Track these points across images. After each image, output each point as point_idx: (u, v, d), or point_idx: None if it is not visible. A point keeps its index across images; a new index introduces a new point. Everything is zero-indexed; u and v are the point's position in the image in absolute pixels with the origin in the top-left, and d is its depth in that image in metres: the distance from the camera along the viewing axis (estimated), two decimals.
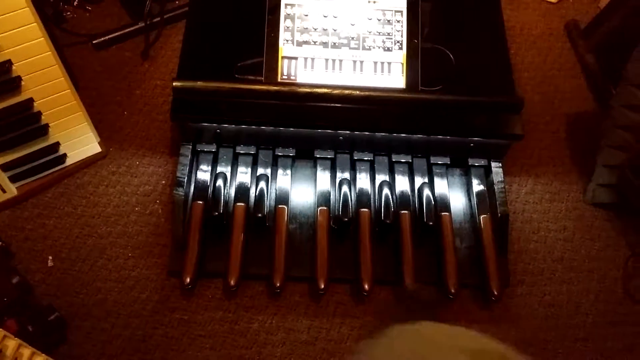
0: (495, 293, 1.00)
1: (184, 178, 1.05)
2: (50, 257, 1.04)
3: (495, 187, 1.09)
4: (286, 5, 1.06)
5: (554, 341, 1.03)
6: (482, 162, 1.12)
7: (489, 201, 1.09)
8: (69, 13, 1.31)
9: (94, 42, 1.26)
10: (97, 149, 1.12)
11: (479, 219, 1.07)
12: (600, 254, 1.12)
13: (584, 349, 1.02)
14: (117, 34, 1.27)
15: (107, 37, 1.26)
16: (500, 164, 1.11)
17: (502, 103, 1.05)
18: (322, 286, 0.99)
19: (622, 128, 1.08)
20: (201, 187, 1.06)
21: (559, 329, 1.04)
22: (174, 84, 1.01)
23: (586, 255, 1.11)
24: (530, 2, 1.43)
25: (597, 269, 1.10)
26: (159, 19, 1.28)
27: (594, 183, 1.15)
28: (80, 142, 1.09)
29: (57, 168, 1.09)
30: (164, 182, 1.12)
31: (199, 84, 1.01)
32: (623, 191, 1.12)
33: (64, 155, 1.09)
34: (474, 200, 1.10)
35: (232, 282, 0.98)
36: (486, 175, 1.12)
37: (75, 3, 1.30)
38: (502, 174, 1.10)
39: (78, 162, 1.11)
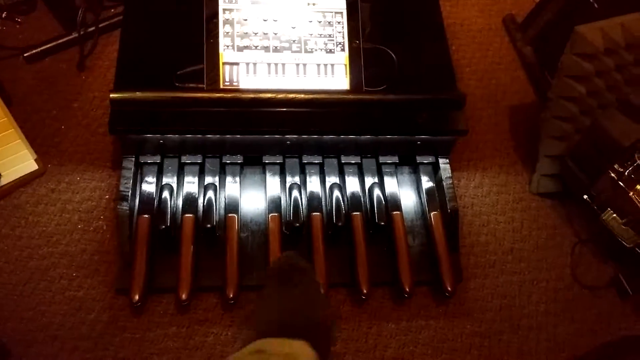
0: (449, 289, 1.01)
1: (128, 192, 1.02)
2: None
3: (444, 183, 1.10)
4: (224, 10, 1.04)
5: (508, 332, 1.04)
6: (430, 159, 1.13)
7: (438, 197, 1.11)
8: None
9: (25, 55, 1.20)
10: (33, 166, 1.07)
11: (430, 216, 1.08)
12: (548, 242, 1.15)
13: (536, 337, 1.05)
14: (50, 45, 1.22)
15: (39, 49, 1.21)
16: (448, 160, 1.12)
17: (444, 100, 1.06)
18: None
19: (560, 119, 1.11)
20: (146, 200, 1.03)
21: (513, 319, 1.06)
22: (111, 95, 0.97)
23: (534, 245, 1.14)
24: None
25: (545, 257, 1.13)
26: (93, 28, 1.24)
27: (538, 173, 1.18)
28: (14, 160, 1.04)
29: None
30: (107, 196, 1.08)
31: (138, 94, 0.98)
32: (565, 180, 1.15)
33: None
34: (424, 197, 1.11)
35: (183, 297, 0.95)
36: (434, 172, 1.13)
37: (3, 15, 1.24)
38: (449, 170, 1.11)
39: (14, 181, 1.06)
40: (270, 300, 0.86)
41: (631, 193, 1.01)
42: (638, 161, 0.99)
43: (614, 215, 1.05)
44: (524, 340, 1.04)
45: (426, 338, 1.02)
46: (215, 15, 1.03)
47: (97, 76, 1.22)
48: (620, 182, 1.02)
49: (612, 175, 1.02)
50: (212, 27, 1.03)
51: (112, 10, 1.29)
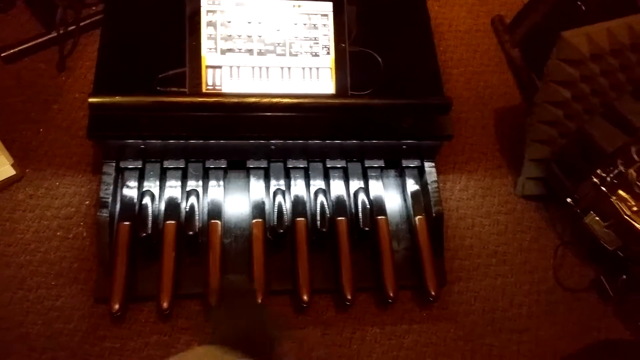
0: (433, 294, 1.01)
1: (109, 198, 1.00)
2: None
3: (429, 187, 1.09)
4: (207, 11, 1.01)
5: (490, 335, 1.05)
6: (416, 162, 1.12)
7: (423, 201, 1.10)
8: None
9: (2, 54, 1.17)
10: (10, 171, 1.04)
11: (415, 221, 1.07)
12: (532, 245, 1.15)
13: (519, 340, 1.05)
14: (28, 44, 1.18)
15: (17, 49, 1.18)
16: (433, 164, 1.12)
17: (430, 105, 1.06)
18: (260, 300, 0.96)
19: (545, 123, 1.11)
20: (127, 206, 1.01)
21: (495, 323, 1.06)
22: (89, 100, 0.94)
23: (518, 248, 1.14)
24: None
25: (529, 260, 1.13)
26: (74, 27, 1.21)
27: (523, 177, 1.18)
28: None
29: None
30: (87, 202, 1.06)
31: (118, 98, 0.96)
32: (550, 184, 1.15)
33: None
34: (409, 201, 1.10)
35: (164, 305, 0.94)
36: (420, 176, 1.13)
37: None
38: (435, 174, 1.11)
39: None
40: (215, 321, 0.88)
41: (613, 198, 1.01)
42: (620, 167, 0.99)
43: (597, 218, 1.06)
44: (507, 343, 1.05)
45: (410, 342, 1.02)
46: (197, 16, 1.01)
47: (77, 77, 1.19)
48: (602, 187, 1.02)
49: (595, 180, 1.03)
50: (195, 29, 1.01)
51: (94, 8, 1.26)
